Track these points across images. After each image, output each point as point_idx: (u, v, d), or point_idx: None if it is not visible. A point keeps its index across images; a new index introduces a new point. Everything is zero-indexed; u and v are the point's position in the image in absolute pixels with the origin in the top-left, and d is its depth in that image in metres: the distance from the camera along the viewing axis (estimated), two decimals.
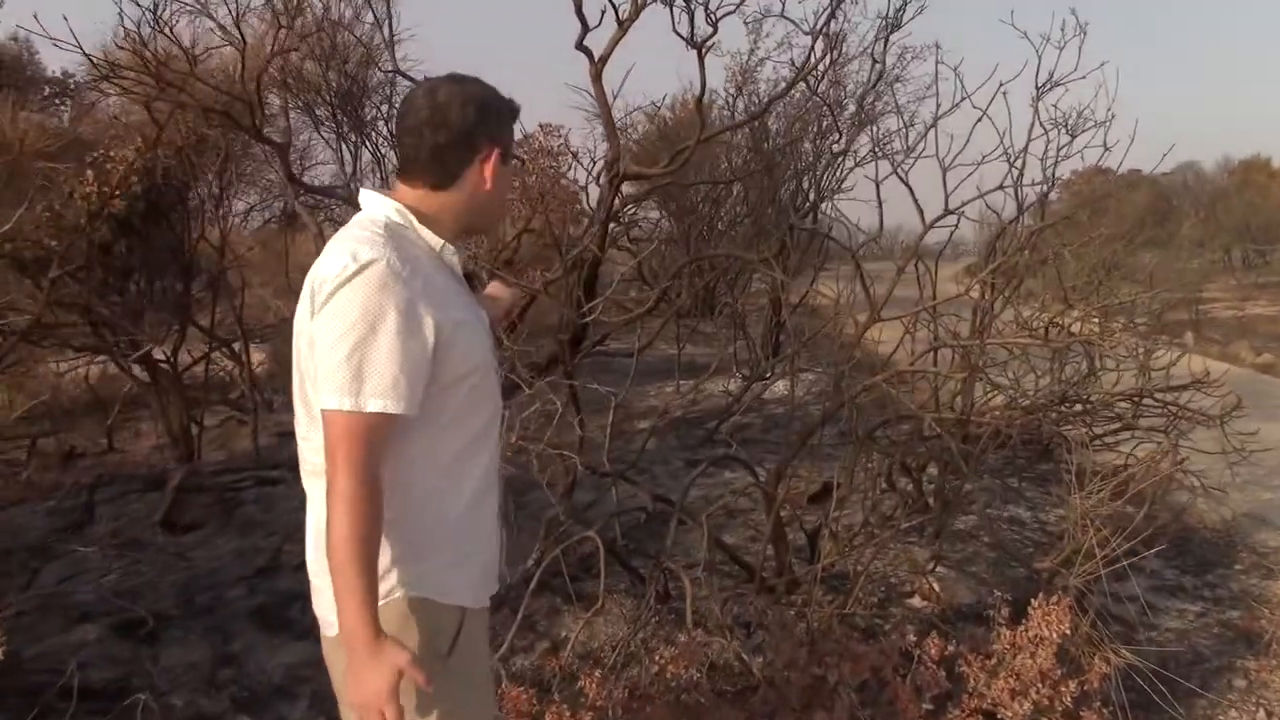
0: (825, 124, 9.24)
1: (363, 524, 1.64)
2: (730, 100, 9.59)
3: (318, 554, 1.82)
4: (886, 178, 4.21)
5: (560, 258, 3.98)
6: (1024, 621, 3.08)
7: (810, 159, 9.56)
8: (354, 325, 1.65)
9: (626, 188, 8.86)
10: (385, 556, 1.76)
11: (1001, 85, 4.25)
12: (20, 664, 3.69)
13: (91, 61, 4.42)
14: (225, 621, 4.03)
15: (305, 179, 9.61)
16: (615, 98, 4.54)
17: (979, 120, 4.55)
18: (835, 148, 9.02)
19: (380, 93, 8.98)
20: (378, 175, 9.10)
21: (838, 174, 9.79)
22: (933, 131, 4.19)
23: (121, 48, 4.01)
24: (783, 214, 7.83)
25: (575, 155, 8.43)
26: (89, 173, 6.76)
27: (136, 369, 7.64)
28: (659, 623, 3.97)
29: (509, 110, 1.93)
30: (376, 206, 1.86)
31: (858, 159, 9.26)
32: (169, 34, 4.18)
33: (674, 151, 10.78)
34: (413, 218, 1.84)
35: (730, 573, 4.48)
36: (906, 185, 4.22)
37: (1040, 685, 2.93)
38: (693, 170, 9.36)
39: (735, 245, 10.15)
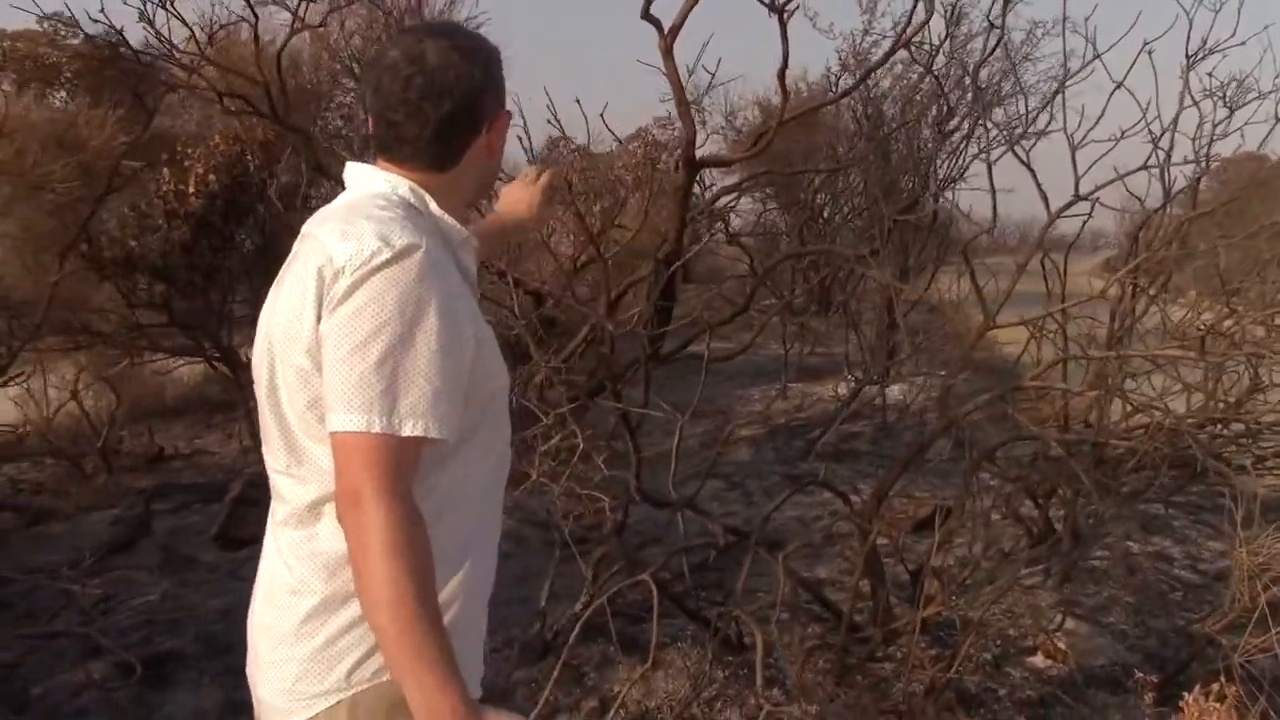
0: (945, 107, 8.47)
1: (419, 572, 1.21)
2: (835, 82, 8.86)
3: (272, 614, 1.41)
4: (999, 158, 3.56)
5: (599, 257, 3.45)
6: (1177, 713, 2.43)
7: (929, 145, 8.79)
8: (387, 325, 1.24)
9: (722, 178, 8.31)
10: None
11: (1146, 45, 3.56)
12: (25, 705, 3.39)
13: (93, 42, 4.09)
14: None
15: None
16: (690, 73, 4.02)
17: (1115, 88, 3.87)
18: (955, 127, 8.21)
19: None
20: None
21: (960, 160, 9.01)
22: (1059, 103, 3.52)
23: (111, 27, 3.65)
24: (894, 206, 7.14)
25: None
26: (165, 170, 6.63)
27: (225, 369, 7.53)
28: (728, 678, 3.43)
29: (500, 57, 1.49)
30: (380, 182, 1.42)
31: (981, 145, 8.46)
32: (173, 10, 3.81)
33: (786, 140, 10.18)
34: (430, 200, 1.41)
35: (818, 614, 3.90)
36: (1026, 166, 3.57)
37: None
38: (799, 158, 8.73)
39: (852, 239, 9.49)
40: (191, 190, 6.56)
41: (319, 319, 1.29)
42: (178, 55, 3.96)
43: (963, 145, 8.74)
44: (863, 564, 3.45)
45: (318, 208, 1.48)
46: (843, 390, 8.08)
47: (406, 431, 1.23)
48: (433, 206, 1.41)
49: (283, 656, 1.38)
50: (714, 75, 6.50)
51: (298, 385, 1.33)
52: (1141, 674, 2.72)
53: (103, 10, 3.68)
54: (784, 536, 5.16)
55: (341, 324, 1.25)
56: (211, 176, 6.58)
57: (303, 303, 1.30)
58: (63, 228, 6.40)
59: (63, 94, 7.87)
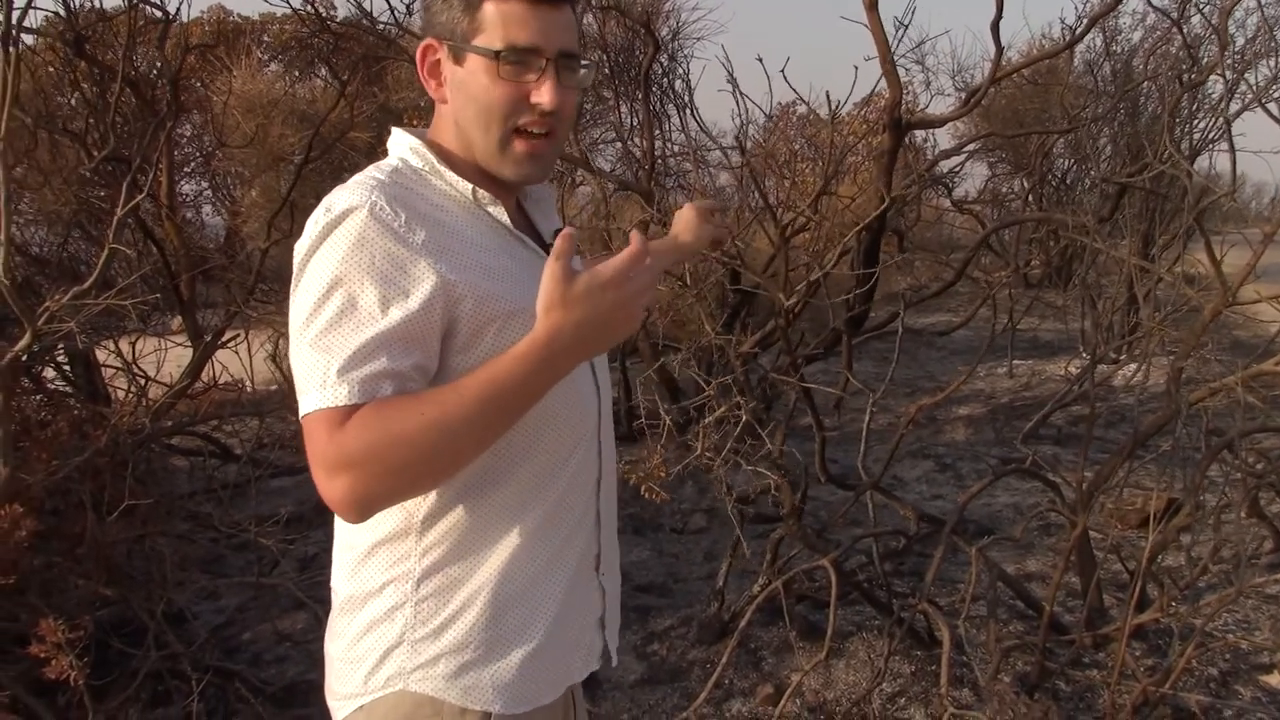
0: (1206, 60, 7.65)
1: (400, 433, 1.11)
2: (1074, 36, 8.15)
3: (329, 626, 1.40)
4: (1239, 112, 3.14)
5: (775, 223, 3.27)
6: None
7: (1186, 105, 7.96)
8: (325, 297, 1.16)
9: (946, 140, 7.84)
10: (388, 630, 1.27)
11: None
12: (236, 649, 3.63)
13: (299, 15, 4.25)
14: None
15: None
16: (900, 29, 3.74)
17: None
18: (1221, 78, 7.38)
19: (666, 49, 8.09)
20: (659, 137, 7.85)
21: (1222, 118, 8.13)
22: None
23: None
24: (1136, 169, 6.51)
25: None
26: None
27: None
28: (915, 674, 3.23)
29: None
30: (394, 147, 1.35)
31: (1246, 100, 7.58)
32: None
33: (1020, 101, 9.56)
34: (434, 158, 1.30)
35: (1023, 611, 3.62)
36: (1273, 117, 3.13)
37: None
38: (1032, 119, 8.13)
39: (1097, 205, 8.78)
40: None
41: None
42: (378, 26, 4.07)
43: (1224, 104, 7.90)
44: (1065, 559, 3.17)
45: None
46: (1074, 369, 7.53)
47: (342, 400, 1.13)
48: (437, 164, 1.30)
49: (328, 652, 1.36)
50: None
51: None
52: None
53: None
54: (997, 525, 4.84)
55: (292, 307, 1.20)
56: None
57: None
58: (301, 196, 6.81)
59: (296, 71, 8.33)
